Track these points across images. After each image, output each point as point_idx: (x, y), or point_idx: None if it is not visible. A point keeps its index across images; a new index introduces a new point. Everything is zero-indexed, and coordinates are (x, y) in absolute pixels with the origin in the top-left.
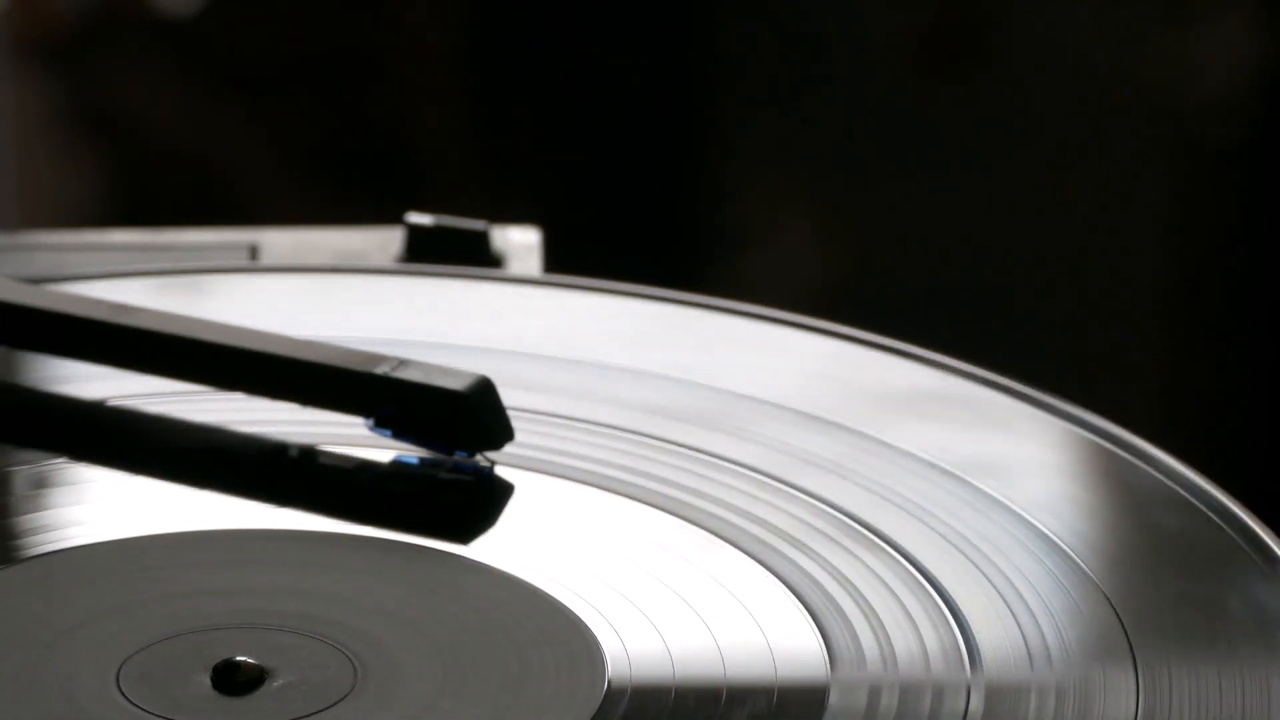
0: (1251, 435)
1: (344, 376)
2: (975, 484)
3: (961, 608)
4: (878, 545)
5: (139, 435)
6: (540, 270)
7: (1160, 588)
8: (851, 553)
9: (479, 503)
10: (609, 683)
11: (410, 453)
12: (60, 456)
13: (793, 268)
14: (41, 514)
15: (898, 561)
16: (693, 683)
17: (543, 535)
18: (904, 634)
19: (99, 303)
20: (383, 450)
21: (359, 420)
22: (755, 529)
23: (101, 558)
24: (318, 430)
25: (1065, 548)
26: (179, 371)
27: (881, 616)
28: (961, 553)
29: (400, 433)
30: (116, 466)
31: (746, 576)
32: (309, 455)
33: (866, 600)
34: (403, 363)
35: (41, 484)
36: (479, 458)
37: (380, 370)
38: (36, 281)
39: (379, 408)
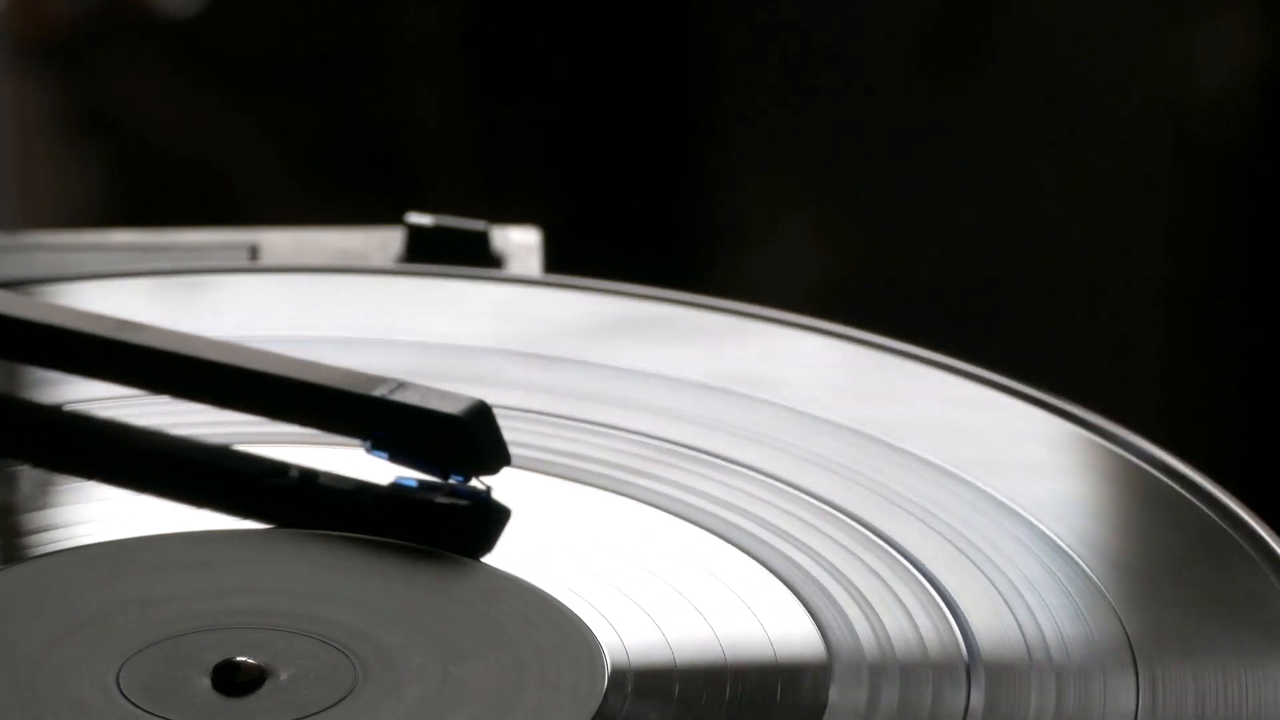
0: (1251, 434)
1: (342, 398)
2: (975, 483)
3: (961, 606)
4: (877, 544)
5: (139, 443)
6: (540, 270)
7: (1160, 587)
8: (851, 551)
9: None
10: (609, 682)
11: (408, 475)
12: (60, 467)
13: (793, 268)
14: (43, 514)
15: (897, 561)
16: (694, 681)
17: (543, 535)
18: (903, 633)
19: (102, 318)
20: (381, 473)
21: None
22: (756, 529)
23: (102, 558)
24: (316, 449)
25: (1064, 546)
26: (180, 389)
27: (880, 614)
28: (960, 551)
29: (398, 455)
30: (115, 480)
31: (747, 576)
32: (309, 477)
33: (865, 598)
34: (401, 385)
35: (43, 484)
36: (475, 482)
37: (378, 392)
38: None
39: (377, 430)
